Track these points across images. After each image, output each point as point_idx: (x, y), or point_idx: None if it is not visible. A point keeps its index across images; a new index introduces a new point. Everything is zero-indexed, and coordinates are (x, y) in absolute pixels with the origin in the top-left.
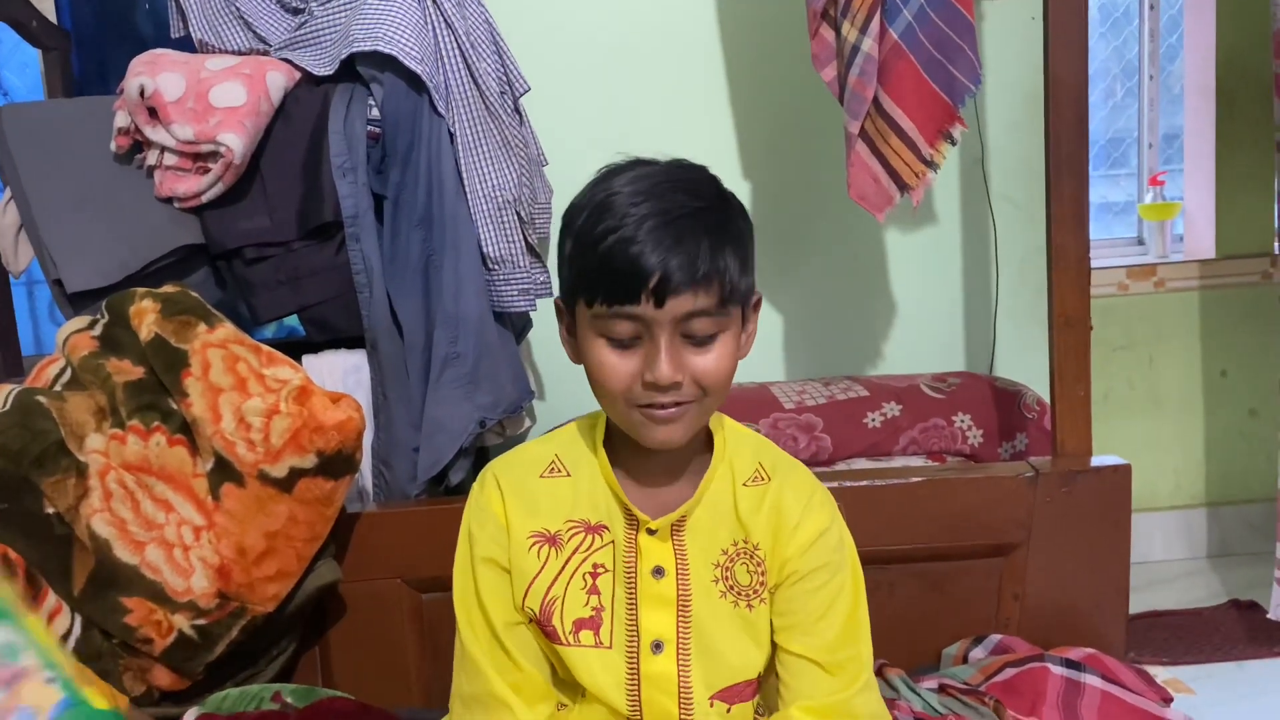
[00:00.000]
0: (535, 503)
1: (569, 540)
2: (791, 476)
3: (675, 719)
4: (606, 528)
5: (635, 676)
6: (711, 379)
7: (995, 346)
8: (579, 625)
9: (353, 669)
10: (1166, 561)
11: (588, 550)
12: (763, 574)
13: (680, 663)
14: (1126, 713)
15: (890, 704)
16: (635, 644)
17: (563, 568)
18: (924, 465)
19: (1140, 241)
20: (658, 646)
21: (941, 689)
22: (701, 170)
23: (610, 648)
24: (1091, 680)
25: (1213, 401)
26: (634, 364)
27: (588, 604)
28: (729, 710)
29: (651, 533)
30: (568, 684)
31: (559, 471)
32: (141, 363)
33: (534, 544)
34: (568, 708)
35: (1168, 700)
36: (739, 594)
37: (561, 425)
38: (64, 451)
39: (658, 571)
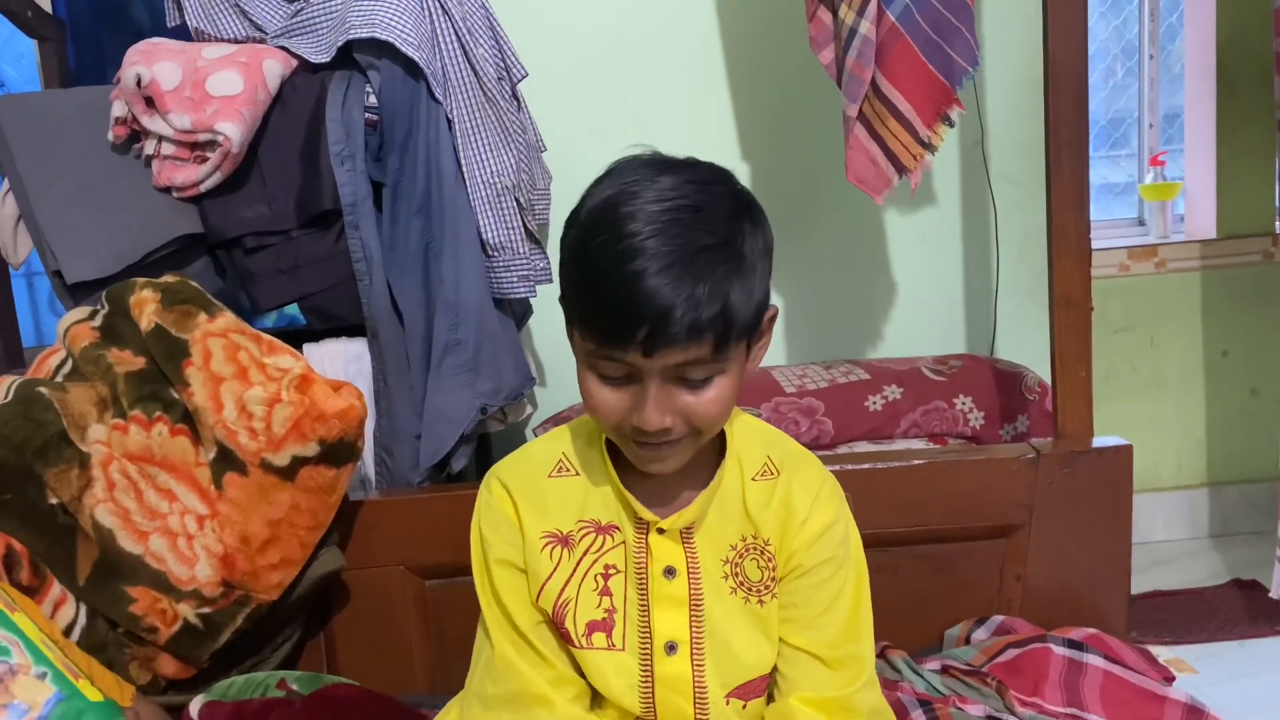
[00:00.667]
0: (545, 503)
1: (580, 540)
2: (800, 470)
3: (691, 719)
4: (617, 528)
5: (649, 678)
6: (703, 420)
7: (996, 328)
8: (591, 627)
9: (357, 656)
10: (1168, 542)
11: (599, 551)
12: (773, 569)
13: (695, 663)
14: (1129, 692)
15: (893, 686)
16: (648, 646)
17: (575, 569)
18: (925, 448)
19: (1141, 222)
20: (671, 648)
21: (944, 670)
22: (719, 185)
23: (623, 650)
24: (1094, 660)
25: (1214, 381)
26: (624, 401)
27: (600, 605)
28: (744, 707)
29: (661, 532)
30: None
31: (568, 470)
32: (142, 353)
33: (546, 544)
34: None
35: (1170, 679)
36: (749, 590)
37: (559, 416)
38: (66, 442)
39: (669, 572)
